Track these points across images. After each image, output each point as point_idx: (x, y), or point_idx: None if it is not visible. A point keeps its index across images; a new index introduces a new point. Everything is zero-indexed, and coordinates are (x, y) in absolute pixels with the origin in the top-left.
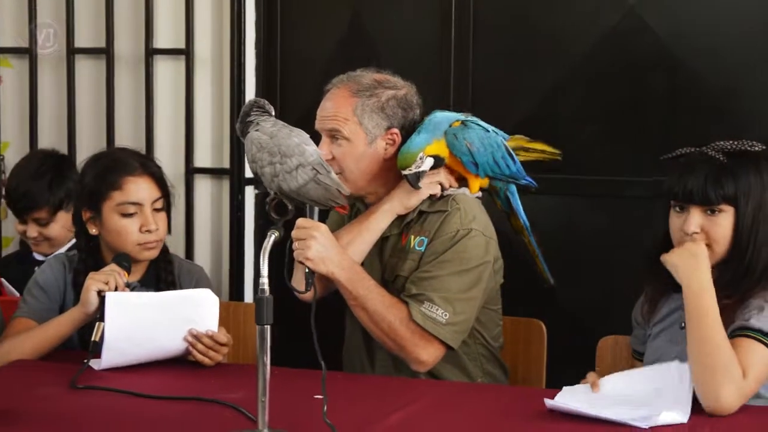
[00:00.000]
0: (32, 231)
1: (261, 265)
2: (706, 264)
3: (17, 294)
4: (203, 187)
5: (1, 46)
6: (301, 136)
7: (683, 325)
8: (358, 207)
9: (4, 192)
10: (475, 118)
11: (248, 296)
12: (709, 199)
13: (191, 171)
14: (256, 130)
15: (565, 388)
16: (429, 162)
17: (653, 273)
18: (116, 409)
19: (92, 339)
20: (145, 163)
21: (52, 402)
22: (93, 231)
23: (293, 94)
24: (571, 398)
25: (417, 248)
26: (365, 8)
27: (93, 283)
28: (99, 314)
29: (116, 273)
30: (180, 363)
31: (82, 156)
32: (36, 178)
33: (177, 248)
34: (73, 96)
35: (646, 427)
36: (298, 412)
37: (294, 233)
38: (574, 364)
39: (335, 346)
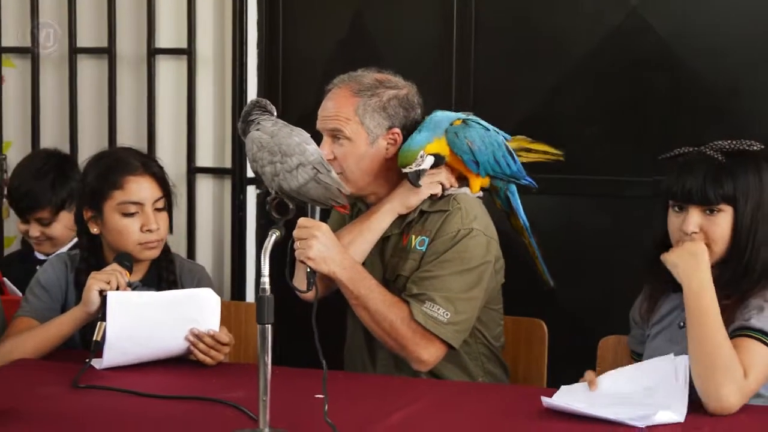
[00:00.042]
0: (34, 231)
1: (262, 264)
2: (706, 263)
3: (19, 293)
4: (205, 186)
5: (3, 45)
6: (301, 136)
7: (682, 324)
8: (359, 207)
9: (6, 191)
10: (475, 117)
11: (250, 296)
12: (708, 199)
13: (193, 170)
14: (257, 130)
15: (563, 387)
16: (430, 160)
17: (653, 272)
18: (118, 408)
19: (94, 338)
20: (146, 163)
21: (53, 401)
22: (94, 230)
23: (295, 93)
24: (568, 397)
25: (418, 248)
26: (367, 8)
27: (95, 282)
28: (101, 314)
29: (118, 272)
30: (181, 362)
31: (84, 155)
32: (38, 178)
33: (179, 248)
34: (75, 95)
35: (643, 426)
36: (299, 412)
37: (295, 233)
38: (575, 364)
39: (336, 345)
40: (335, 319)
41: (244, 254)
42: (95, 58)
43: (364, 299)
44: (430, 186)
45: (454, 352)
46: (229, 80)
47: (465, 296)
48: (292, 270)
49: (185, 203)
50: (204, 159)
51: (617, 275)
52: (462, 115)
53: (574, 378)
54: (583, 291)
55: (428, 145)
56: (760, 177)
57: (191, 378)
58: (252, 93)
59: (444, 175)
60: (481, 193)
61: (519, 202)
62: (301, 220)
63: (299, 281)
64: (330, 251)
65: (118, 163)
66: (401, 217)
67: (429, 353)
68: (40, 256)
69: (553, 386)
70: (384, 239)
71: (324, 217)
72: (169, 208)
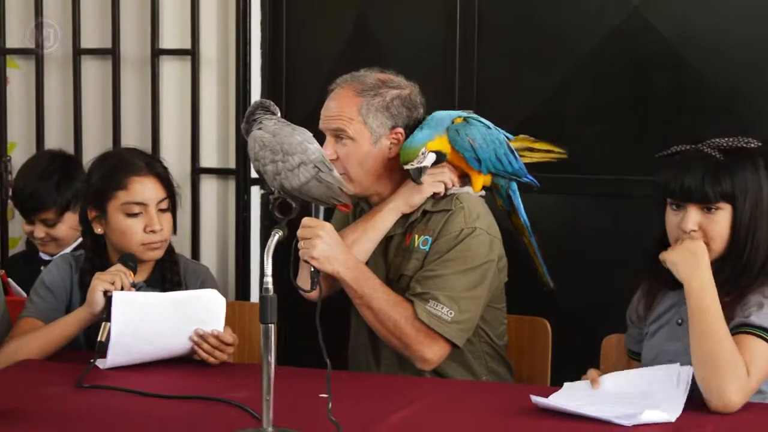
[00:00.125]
0: (39, 231)
1: (265, 264)
2: (706, 262)
3: (24, 294)
4: (209, 187)
5: (8, 47)
6: (303, 135)
7: (680, 321)
8: (362, 207)
9: (11, 192)
10: (476, 115)
11: (254, 296)
12: (707, 197)
13: (197, 171)
14: (259, 129)
15: (566, 384)
16: (431, 157)
17: (651, 271)
18: (122, 408)
19: (98, 339)
20: (150, 164)
21: (58, 401)
22: (98, 230)
23: (299, 94)
24: (563, 396)
25: (421, 247)
26: (370, 9)
27: (99, 283)
28: (105, 314)
29: (122, 273)
30: (185, 362)
31: (88, 156)
32: (43, 179)
33: (183, 248)
34: (79, 96)
35: (630, 425)
36: (303, 411)
37: (299, 232)
38: (579, 363)
39: (340, 345)
40: (339, 318)
41: (248, 254)
42: (99, 59)
43: (368, 298)
44: (433, 185)
45: (458, 351)
46: (232, 81)
47: (468, 295)
48: (296, 269)
49: (189, 204)
50: (208, 159)
51: (620, 274)
52: (463, 113)
53: (577, 376)
54: (585, 290)
55: (430, 142)
56: (758, 174)
57: (195, 378)
58: (255, 93)
59: (447, 175)
60: (483, 192)
61: (520, 201)
62: (305, 220)
63: (303, 281)
64: (334, 251)
65: (123, 164)
66: (404, 217)
67: (433, 352)
68: (45, 257)
69: (557, 385)
70: (387, 239)
71: (327, 217)
72: (173, 208)
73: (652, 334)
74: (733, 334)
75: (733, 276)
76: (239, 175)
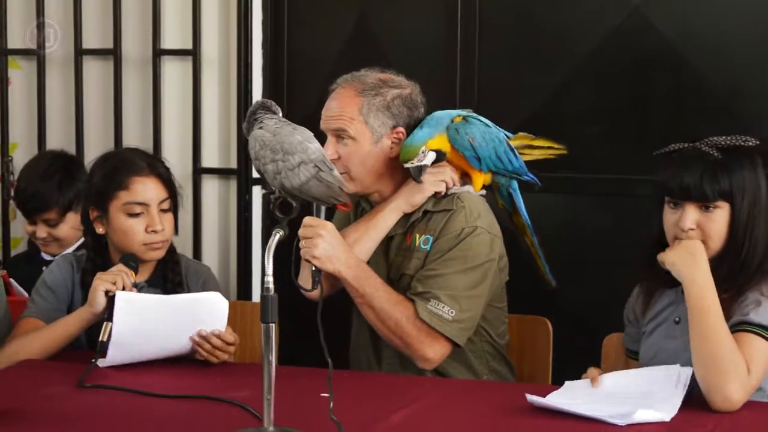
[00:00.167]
0: (41, 232)
1: (265, 263)
2: (704, 261)
3: (26, 294)
4: (210, 187)
5: (9, 47)
6: (304, 134)
7: (677, 319)
8: (363, 206)
9: (13, 193)
10: (475, 114)
11: (255, 295)
12: (706, 196)
13: (198, 171)
14: (260, 128)
15: (566, 383)
16: (431, 156)
17: (648, 270)
18: (123, 408)
19: (100, 339)
20: (152, 164)
21: (59, 401)
22: (100, 230)
23: (300, 94)
24: (561, 395)
25: (422, 247)
26: (371, 9)
27: (100, 283)
28: (107, 314)
29: (124, 273)
30: (186, 362)
31: (89, 156)
32: (45, 179)
33: (184, 248)
34: (80, 97)
35: (623, 424)
36: (305, 410)
37: (301, 232)
38: (580, 362)
39: (342, 344)
40: (340, 317)
41: (249, 254)
42: (101, 59)
43: (370, 298)
44: (434, 184)
45: (459, 350)
46: (234, 81)
47: (469, 294)
48: (297, 269)
49: (191, 204)
50: (209, 159)
51: (621, 273)
52: (462, 112)
53: (578, 375)
54: (586, 289)
55: (430, 141)
56: (756, 173)
57: (196, 377)
58: (257, 94)
59: (448, 174)
60: (484, 192)
61: (521, 199)
62: (307, 219)
63: (304, 280)
64: (335, 250)
65: (124, 164)
66: (405, 217)
67: (434, 351)
68: (47, 257)
69: (558, 384)
70: (388, 239)
71: (329, 216)
72: (174, 209)
73: (649, 332)
74: (731, 332)
75: (731, 274)
76: (241, 175)
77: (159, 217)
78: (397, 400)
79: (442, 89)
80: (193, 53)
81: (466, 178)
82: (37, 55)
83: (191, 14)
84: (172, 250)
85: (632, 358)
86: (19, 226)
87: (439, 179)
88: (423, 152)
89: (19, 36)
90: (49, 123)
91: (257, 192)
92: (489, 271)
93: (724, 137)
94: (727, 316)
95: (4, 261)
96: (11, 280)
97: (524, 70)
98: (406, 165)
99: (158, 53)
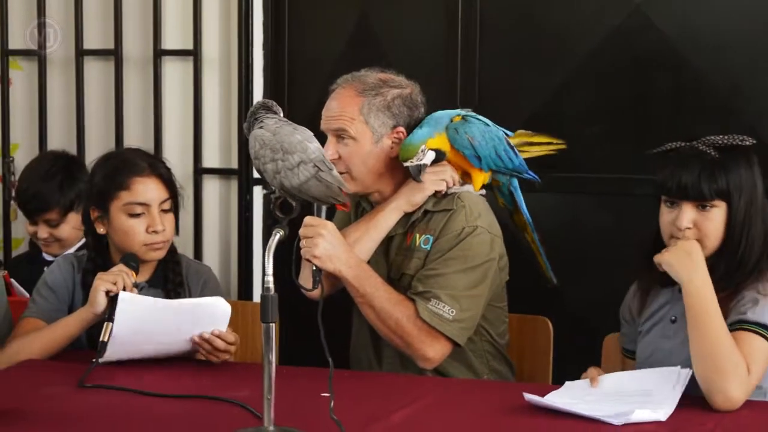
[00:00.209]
0: (43, 232)
1: (265, 263)
2: (702, 261)
3: (27, 294)
4: (211, 187)
5: (10, 48)
6: (304, 134)
7: (674, 318)
8: (363, 206)
9: (14, 194)
10: (474, 114)
11: (256, 295)
12: (703, 195)
13: (199, 171)
14: (260, 128)
15: (566, 383)
16: (431, 155)
17: (646, 269)
18: (124, 407)
19: (100, 339)
20: (153, 164)
21: (60, 401)
22: (101, 230)
23: (301, 94)
24: (560, 395)
25: (423, 246)
26: (372, 9)
27: (101, 283)
28: (107, 314)
29: (124, 273)
30: (187, 361)
31: (91, 157)
32: (46, 180)
33: (185, 248)
34: (81, 97)
35: (618, 424)
36: (305, 410)
37: (301, 231)
38: (580, 361)
39: (342, 344)
40: (341, 317)
41: (250, 254)
42: (102, 59)
43: (370, 297)
44: (434, 183)
45: (460, 349)
46: (235, 81)
47: (470, 294)
48: (297, 268)
49: (192, 204)
50: (210, 160)
51: (621, 273)
52: (461, 111)
53: (578, 375)
54: (587, 288)
55: (429, 140)
56: (752, 171)
57: (197, 377)
58: (258, 94)
59: (448, 173)
60: (484, 192)
61: (522, 198)
62: (308, 219)
63: (305, 279)
64: (336, 249)
65: (125, 164)
66: (406, 217)
67: (434, 351)
68: (48, 258)
69: (558, 383)
70: (388, 239)
71: (329, 216)
72: (175, 209)
73: (646, 332)
74: (729, 331)
75: (728, 273)
76: (241, 175)
77: (160, 217)
78: (397, 399)
79: (443, 89)
80: (194, 53)
81: (466, 177)
82: (38, 55)
83: (192, 14)
84: (172, 251)
85: (629, 358)
86: (21, 227)
87: (439, 178)
88: (422, 151)
89: (20, 36)
90: (50, 123)
91: (258, 192)
92: (489, 271)
93: (721, 136)
94: (724, 315)
95: (5, 261)
96: (12, 280)
97: (524, 70)
98: (406, 164)
99: (159, 53)
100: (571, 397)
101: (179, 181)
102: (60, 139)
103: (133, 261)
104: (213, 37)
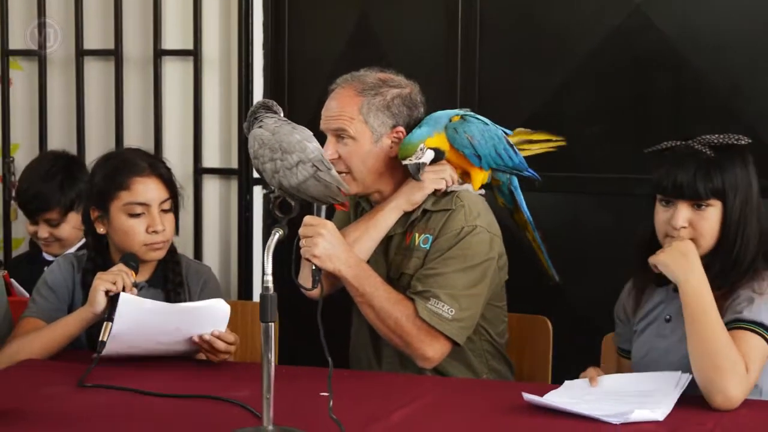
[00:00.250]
0: (43, 232)
1: (264, 262)
2: (697, 261)
3: (27, 294)
4: (211, 187)
5: (11, 48)
6: (303, 133)
7: (668, 317)
8: (363, 206)
9: (14, 194)
10: (472, 113)
11: (257, 295)
12: (699, 194)
13: (199, 171)
14: (259, 127)
15: (566, 382)
16: (430, 154)
17: (640, 268)
18: (123, 407)
19: (100, 339)
20: (154, 164)
21: (59, 401)
22: (101, 230)
23: (301, 94)
24: (559, 394)
25: (422, 246)
26: (372, 9)
27: (101, 283)
28: (107, 314)
29: (124, 273)
30: (186, 361)
31: (91, 157)
32: (47, 180)
33: (185, 248)
34: (82, 97)
35: (617, 423)
36: (304, 409)
37: (301, 231)
38: (580, 361)
39: (342, 343)
40: (340, 317)
41: (250, 254)
42: (102, 59)
43: (369, 297)
44: (434, 181)
45: (459, 349)
46: (235, 81)
47: (469, 293)
48: (297, 268)
49: (192, 204)
50: (210, 160)
51: (621, 272)
52: (460, 111)
53: (578, 375)
54: (587, 288)
55: (428, 139)
56: (747, 170)
57: (196, 377)
58: (258, 94)
59: (448, 171)
60: (483, 191)
61: (522, 196)
62: (307, 218)
63: (305, 279)
64: (335, 249)
65: (126, 164)
66: (405, 216)
67: (434, 350)
68: (48, 257)
69: (558, 383)
70: (388, 238)
71: (329, 215)
72: (175, 209)
73: (641, 331)
74: (728, 330)
75: (723, 272)
76: (241, 175)
77: (160, 217)
78: (396, 399)
79: (443, 89)
80: (194, 53)
81: (465, 177)
82: (38, 55)
83: (192, 14)
84: (172, 251)
85: (624, 357)
86: (21, 227)
87: (439, 177)
88: (421, 149)
89: (20, 36)
90: (50, 123)
91: (258, 192)
92: (488, 270)
93: (716, 135)
94: (720, 314)
95: (5, 261)
96: (12, 280)
97: (524, 70)
98: (404, 162)
99: (159, 53)
100: (570, 396)
101: (179, 181)
102: (60, 139)
103: (132, 260)
104: (213, 37)
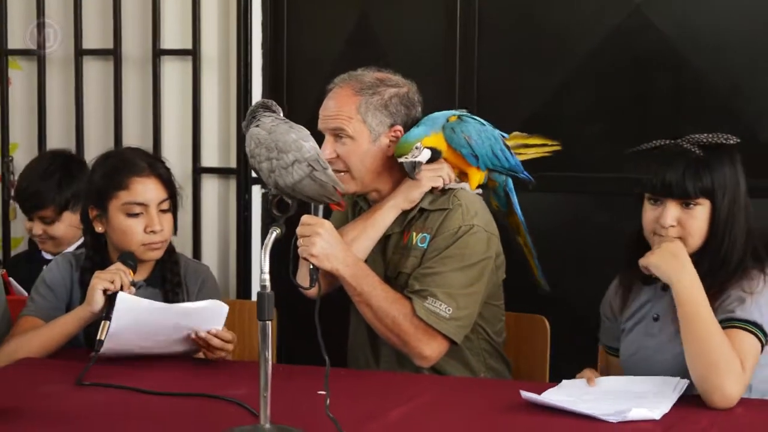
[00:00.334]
0: (37, 228)
1: (262, 261)
2: (688, 261)
3: (25, 293)
4: (210, 186)
5: (10, 48)
6: (299, 132)
7: (656, 316)
8: (360, 205)
9: (13, 193)
10: (469, 114)
11: (255, 294)
12: (687, 193)
13: (198, 170)
14: (256, 126)
15: (564, 381)
16: (426, 153)
17: (627, 266)
18: (121, 405)
19: (98, 337)
20: (153, 164)
21: (57, 399)
22: (99, 229)
23: (300, 94)
24: (556, 393)
25: (419, 245)
26: (372, 9)
27: (99, 282)
28: (105, 313)
29: (122, 272)
30: (184, 360)
31: (89, 156)
32: (45, 178)
33: (184, 247)
34: (81, 97)
35: (615, 421)
36: (301, 408)
37: (299, 230)
38: (577, 360)
39: (339, 342)
40: (338, 315)
41: (249, 253)
42: (101, 59)
43: (367, 296)
44: (431, 179)
45: (456, 347)
46: (234, 81)
47: (466, 292)
48: (295, 267)
49: (190, 203)
50: (209, 159)
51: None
52: (457, 111)
53: (575, 374)
54: (585, 287)
55: (425, 138)
56: (735, 170)
57: (194, 375)
58: (257, 93)
59: (445, 170)
60: (480, 191)
61: (516, 199)
62: (305, 218)
63: (302, 278)
64: (333, 248)
65: (125, 164)
66: (402, 215)
67: (431, 349)
68: (47, 256)
69: (555, 382)
70: (385, 237)
71: (327, 215)
72: (174, 209)
73: (629, 330)
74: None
75: (712, 271)
76: (240, 174)
77: (158, 217)
78: (394, 397)
79: (442, 89)
80: (193, 53)
81: (462, 177)
82: (37, 55)
83: (191, 14)
84: (171, 250)
85: (612, 355)
86: (20, 226)
87: (436, 175)
88: (417, 148)
89: (19, 36)
90: (50, 123)
91: (257, 191)
92: (486, 269)
93: (705, 135)
94: None
95: (4, 260)
96: (10, 279)
97: (524, 70)
98: (400, 160)
99: (158, 53)
100: (567, 395)
101: (178, 181)
102: (59, 139)
103: (130, 259)
104: (212, 36)
